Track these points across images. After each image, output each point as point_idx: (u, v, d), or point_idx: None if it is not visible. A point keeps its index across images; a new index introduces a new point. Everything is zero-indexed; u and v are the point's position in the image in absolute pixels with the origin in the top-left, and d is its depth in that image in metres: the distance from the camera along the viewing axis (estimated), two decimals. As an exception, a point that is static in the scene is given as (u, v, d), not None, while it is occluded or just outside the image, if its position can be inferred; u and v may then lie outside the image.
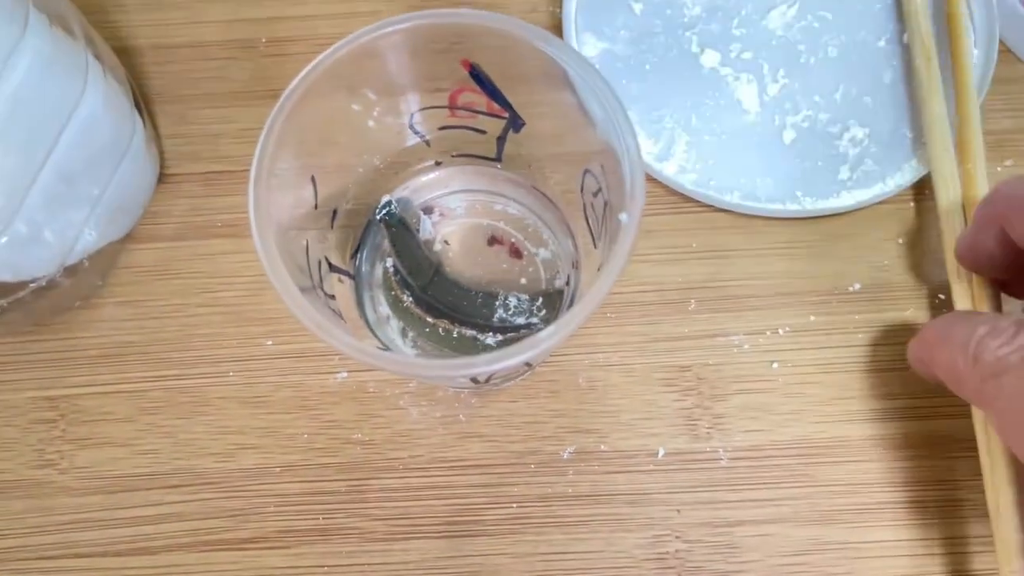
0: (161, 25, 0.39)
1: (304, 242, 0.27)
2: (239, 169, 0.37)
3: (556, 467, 0.33)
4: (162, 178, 0.37)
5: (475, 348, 0.32)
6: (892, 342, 0.34)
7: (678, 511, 0.33)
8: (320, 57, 0.25)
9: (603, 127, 0.25)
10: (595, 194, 0.28)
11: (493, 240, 0.34)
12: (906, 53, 0.36)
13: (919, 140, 0.35)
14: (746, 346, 0.34)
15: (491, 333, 0.32)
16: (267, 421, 0.34)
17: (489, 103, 0.29)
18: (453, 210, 0.34)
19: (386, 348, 0.31)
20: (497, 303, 0.32)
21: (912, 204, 0.36)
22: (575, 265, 0.32)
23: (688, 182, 0.35)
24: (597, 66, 0.36)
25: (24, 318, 0.34)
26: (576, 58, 0.25)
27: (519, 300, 0.32)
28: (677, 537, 0.32)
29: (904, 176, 0.35)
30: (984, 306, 0.31)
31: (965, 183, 0.33)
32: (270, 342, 0.35)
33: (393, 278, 0.33)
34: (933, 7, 0.36)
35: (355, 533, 0.33)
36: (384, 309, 0.33)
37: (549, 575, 0.32)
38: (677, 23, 0.37)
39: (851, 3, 0.37)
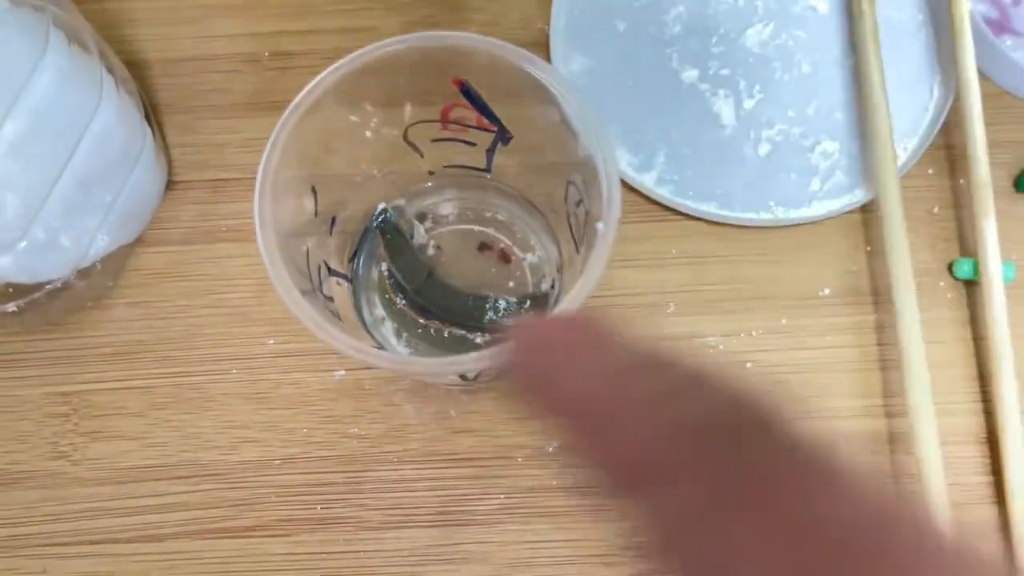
0: (169, 39, 0.41)
1: (305, 247, 0.29)
2: (243, 177, 0.39)
3: (542, 460, 0.35)
4: (170, 185, 0.39)
5: (465, 347, 0.34)
6: (859, 344, 0.36)
7: (656, 502, 0.34)
8: (323, 74, 0.27)
9: (583, 141, 0.27)
10: (577, 204, 0.30)
11: (483, 246, 0.36)
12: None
13: (886, 153, 0.38)
14: (721, 347, 0.36)
15: (480, 333, 0.34)
16: (268, 416, 0.36)
17: (479, 118, 0.31)
18: (445, 217, 0.36)
19: (381, 347, 0.33)
20: (488, 305, 0.34)
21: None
22: (560, 269, 0.34)
23: (667, 192, 0.37)
24: (583, 81, 0.38)
25: (39, 318, 0.36)
26: (557, 76, 0.27)
27: (508, 303, 0.33)
28: (655, 526, 0.34)
29: (873, 187, 0.37)
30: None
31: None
32: (272, 341, 0.37)
33: (388, 282, 0.35)
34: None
35: (352, 522, 0.34)
36: (379, 311, 0.35)
37: (535, 562, 0.34)
38: (659, 41, 0.40)
39: (823, 23, 0.39)
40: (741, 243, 0.37)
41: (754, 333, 0.36)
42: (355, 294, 0.34)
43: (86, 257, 0.34)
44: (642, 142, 0.38)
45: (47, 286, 0.33)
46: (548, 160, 0.32)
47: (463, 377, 0.31)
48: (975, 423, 0.35)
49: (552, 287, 0.34)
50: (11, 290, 0.32)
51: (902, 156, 0.38)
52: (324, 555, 0.34)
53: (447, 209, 0.36)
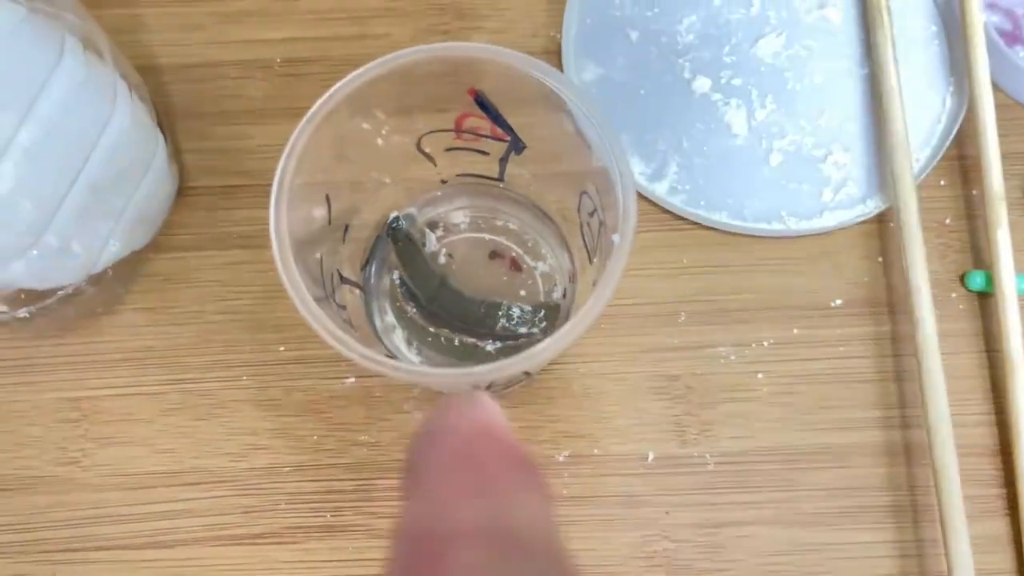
0: (181, 45, 0.41)
1: (318, 255, 0.29)
2: (254, 183, 0.39)
3: (552, 470, 0.35)
4: (181, 191, 0.39)
5: (476, 355, 0.34)
6: (871, 355, 0.36)
7: (667, 512, 0.34)
8: (339, 84, 0.27)
9: (598, 152, 0.27)
10: (591, 214, 0.30)
11: (494, 254, 0.36)
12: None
13: (899, 164, 0.38)
14: (733, 357, 0.36)
15: (492, 341, 0.34)
16: (278, 423, 0.36)
17: (492, 127, 0.31)
18: (456, 225, 0.36)
19: (392, 356, 0.33)
20: (500, 313, 0.34)
21: (891, 225, 0.38)
22: (572, 278, 0.34)
23: (679, 202, 0.37)
24: (594, 91, 0.38)
25: (50, 323, 0.36)
26: (573, 88, 0.27)
27: (522, 311, 0.33)
28: (665, 537, 0.34)
29: (884, 198, 0.37)
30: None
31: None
32: (282, 348, 0.37)
33: (399, 290, 0.35)
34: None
35: (362, 530, 0.34)
36: (390, 318, 0.35)
37: (544, 571, 0.34)
38: (671, 50, 0.40)
39: (836, 34, 0.39)
40: (753, 253, 0.37)
41: (766, 343, 0.36)
42: (367, 302, 0.34)
43: (98, 263, 0.34)
44: (654, 151, 0.38)
45: (59, 292, 0.33)
46: (562, 170, 0.32)
47: (475, 387, 0.31)
48: (988, 435, 0.35)
49: (564, 296, 0.34)
50: (23, 296, 0.32)
51: (914, 167, 0.38)
52: (334, 563, 0.34)
53: (459, 218, 0.36)
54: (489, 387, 0.31)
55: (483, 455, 0.17)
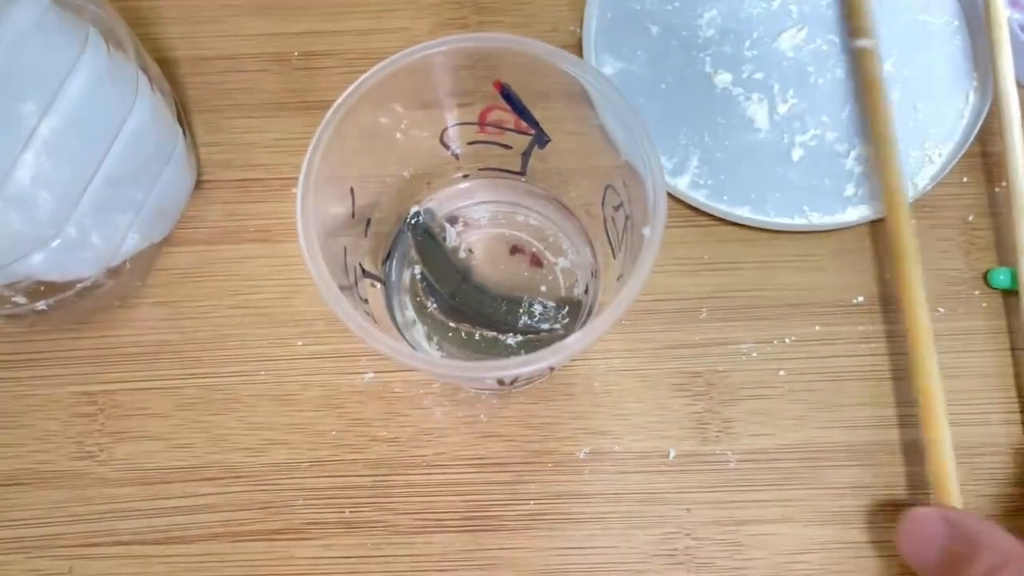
0: (198, 38, 0.41)
1: (342, 247, 0.29)
2: (271, 177, 0.39)
3: (572, 466, 0.35)
4: (198, 184, 0.38)
5: (497, 348, 0.33)
6: (893, 353, 0.36)
7: (688, 510, 0.34)
8: (367, 74, 0.26)
9: (626, 146, 0.27)
10: (616, 208, 0.30)
11: (515, 249, 0.35)
12: (908, 74, 0.38)
13: (922, 159, 0.37)
14: (754, 354, 0.36)
15: (512, 334, 0.33)
16: (296, 418, 0.35)
17: (517, 121, 0.30)
18: (477, 220, 0.36)
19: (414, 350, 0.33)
20: (521, 310, 0.33)
21: (914, 221, 0.37)
22: (594, 274, 0.34)
23: (701, 196, 0.37)
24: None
25: (66, 316, 0.36)
26: (602, 81, 0.27)
27: (544, 307, 0.33)
28: (687, 534, 0.34)
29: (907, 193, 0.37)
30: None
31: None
32: (300, 343, 0.36)
33: (420, 285, 0.35)
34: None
35: (380, 526, 0.34)
36: (411, 313, 0.34)
37: (565, 569, 0.34)
38: (692, 44, 0.39)
39: (858, 28, 0.39)
40: (775, 248, 0.37)
41: (787, 340, 0.36)
42: (388, 297, 0.34)
43: (116, 255, 0.34)
44: (675, 146, 0.38)
45: (77, 285, 0.33)
46: (586, 164, 0.31)
47: (499, 381, 0.30)
48: (1012, 433, 0.35)
49: (586, 291, 0.34)
50: (42, 288, 0.32)
51: (936, 163, 0.37)
52: (352, 559, 0.34)
53: (479, 212, 0.36)
54: (513, 382, 0.31)
55: None
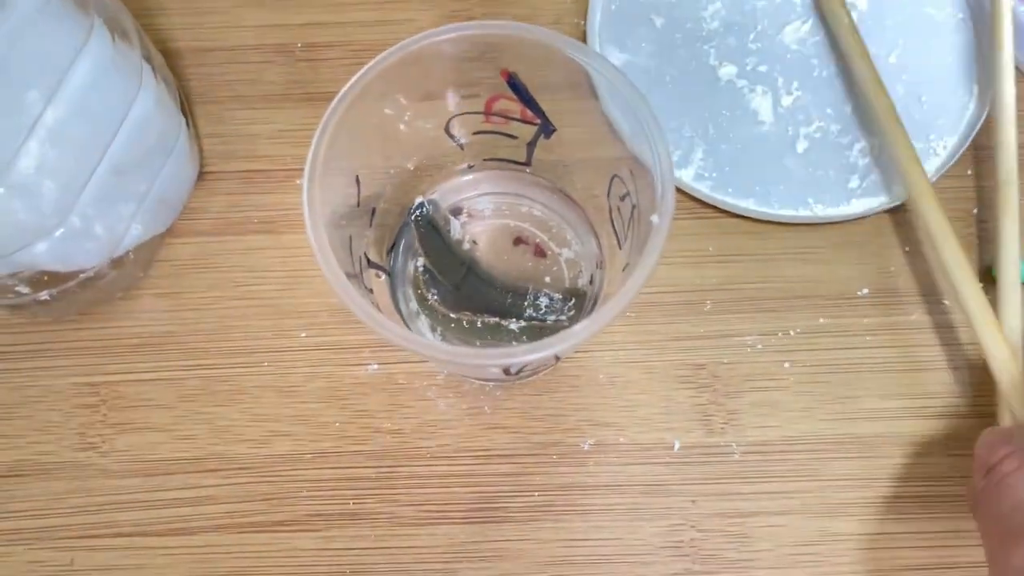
0: (200, 28, 0.41)
1: (348, 237, 0.29)
2: (274, 168, 0.39)
3: (577, 458, 0.35)
4: (200, 176, 0.38)
5: (500, 334, 0.33)
6: (898, 344, 0.36)
7: (693, 502, 0.34)
8: (373, 62, 0.26)
9: (633, 133, 0.27)
10: (622, 198, 0.29)
11: (518, 240, 0.35)
12: (912, 67, 0.38)
13: (926, 151, 0.37)
14: (759, 346, 0.36)
15: (515, 320, 0.33)
16: (300, 410, 0.35)
17: (523, 110, 0.30)
18: (481, 211, 0.36)
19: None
20: (526, 303, 0.33)
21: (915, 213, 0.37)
22: (599, 265, 0.34)
23: (706, 188, 0.37)
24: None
25: (69, 307, 0.35)
26: (609, 68, 0.27)
27: (551, 300, 0.33)
28: (692, 527, 0.34)
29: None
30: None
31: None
32: (304, 334, 0.36)
33: (421, 277, 0.34)
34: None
35: (384, 518, 0.34)
36: (415, 305, 0.34)
37: (570, 560, 0.33)
38: (696, 37, 0.39)
39: (863, 20, 0.39)
40: (779, 240, 0.37)
41: (792, 332, 0.36)
42: (392, 287, 0.34)
43: (119, 246, 0.34)
44: (680, 138, 0.38)
45: (80, 275, 0.33)
46: (592, 154, 0.31)
47: (505, 371, 0.30)
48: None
49: (591, 282, 0.34)
50: (45, 278, 0.32)
51: (940, 155, 0.37)
52: (356, 551, 0.34)
53: (483, 204, 0.35)
54: (519, 372, 0.31)
55: None
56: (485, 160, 0.34)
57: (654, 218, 0.25)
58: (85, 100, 0.29)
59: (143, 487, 0.35)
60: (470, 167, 0.34)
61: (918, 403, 0.35)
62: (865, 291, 0.36)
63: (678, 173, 0.37)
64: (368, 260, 0.31)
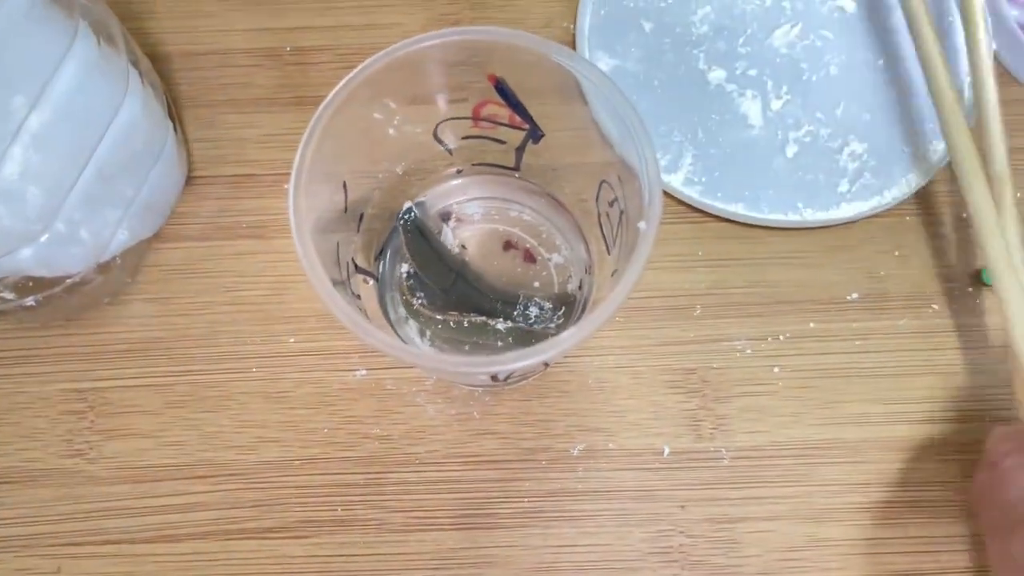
0: (189, 32, 0.41)
1: (335, 243, 0.28)
2: (263, 173, 0.38)
3: (566, 464, 0.35)
4: (189, 180, 0.38)
5: (486, 334, 0.33)
6: (888, 349, 0.36)
7: (682, 507, 0.34)
8: (360, 67, 0.26)
9: (620, 138, 0.27)
10: (611, 203, 0.29)
11: (508, 245, 0.35)
12: (902, 71, 0.38)
13: (916, 155, 0.37)
14: (748, 351, 0.36)
15: (501, 320, 0.33)
16: (289, 416, 0.35)
17: (511, 115, 0.30)
18: (470, 216, 0.35)
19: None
20: (516, 313, 0.33)
21: (908, 218, 0.37)
22: (588, 270, 0.34)
23: (695, 193, 0.37)
24: (610, 81, 0.38)
25: (55, 313, 0.35)
26: (596, 73, 0.27)
27: (541, 309, 0.33)
28: (681, 532, 0.34)
29: (901, 190, 0.37)
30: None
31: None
32: (292, 340, 0.36)
33: (406, 282, 0.34)
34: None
35: (373, 524, 0.34)
36: (403, 310, 0.34)
37: (558, 567, 0.33)
38: (685, 41, 0.39)
39: (851, 24, 0.39)
40: (769, 245, 0.37)
41: (781, 337, 0.36)
42: (380, 293, 0.33)
43: (106, 251, 0.33)
44: (669, 143, 0.38)
45: (66, 280, 0.33)
46: (580, 159, 0.31)
47: (493, 377, 0.30)
48: (1005, 430, 0.35)
49: (580, 287, 0.34)
50: (31, 284, 0.32)
51: (931, 159, 0.37)
52: (345, 557, 0.34)
53: (472, 208, 0.35)
54: (507, 378, 0.31)
55: None
56: (474, 165, 0.34)
57: (641, 224, 0.25)
58: (70, 105, 0.29)
59: (131, 494, 0.34)
60: (459, 172, 0.34)
61: (906, 408, 0.35)
62: (855, 296, 0.36)
63: (667, 178, 0.37)
64: (356, 266, 0.31)
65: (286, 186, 0.25)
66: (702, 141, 0.38)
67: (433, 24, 0.40)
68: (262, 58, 0.40)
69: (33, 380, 0.36)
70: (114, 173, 0.32)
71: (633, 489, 0.34)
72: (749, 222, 0.37)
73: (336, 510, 0.34)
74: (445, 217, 0.35)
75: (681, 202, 0.37)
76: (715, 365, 0.36)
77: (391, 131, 0.31)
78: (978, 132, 0.35)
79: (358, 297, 0.30)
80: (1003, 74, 0.39)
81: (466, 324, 0.33)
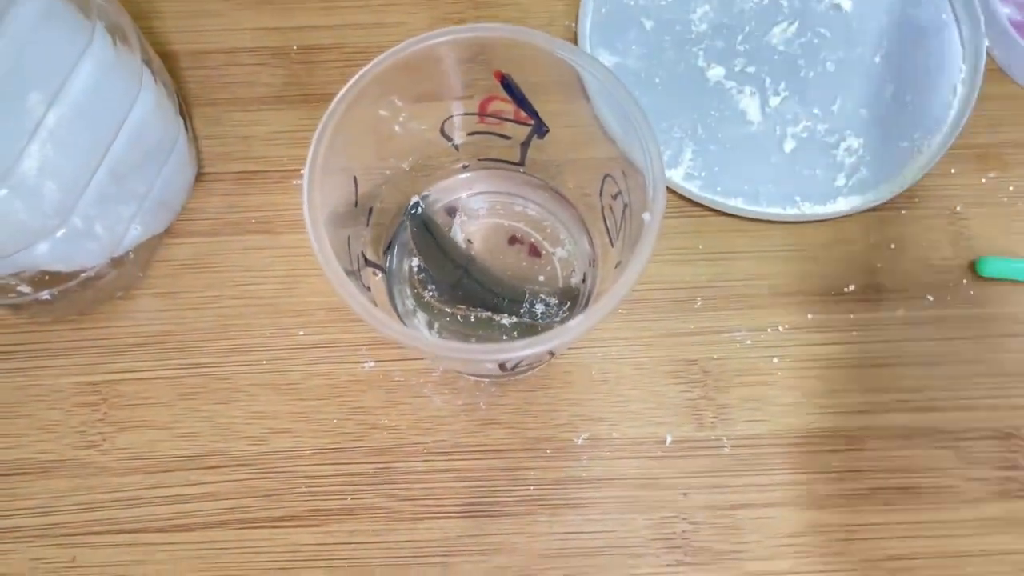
0: (197, 32, 0.41)
1: (346, 236, 0.29)
2: (271, 169, 0.39)
3: (571, 452, 0.35)
4: (198, 177, 0.39)
5: (492, 328, 0.34)
6: (884, 340, 0.37)
7: (684, 494, 0.35)
8: (368, 66, 0.27)
9: (625, 134, 0.27)
10: (614, 197, 0.30)
11: (513, 239, 0.36)
12: (898, 67, 0.39)
13: (912, 150, 0.38)
14: (748, 341, 0.37)
15: (507, 315, 0.34)
16: (298, 407, 0.36)
17: (516, 111, 0.31)
18: (476, 211, 0.36)
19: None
20: (523, 311, 0.34)
21: (903, 211, 0.38)
22: (592, 263, 0.34)
23: (695, 187, 0.38)
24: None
25: (69, 307, 0.36)
26: (599, 68, 0.27)
27: (548, 306, 0.34)
28: (683, 519, 0.35)
29: (896, 184, 0.38)
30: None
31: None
32: (301, 332, 0.37)
33: (416, 275, 0.35)
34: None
35: (382, 512, 0.35)
36: (411, 302, 0.35)
37: (564, 553, 0.34)
38: (685, 39, 0.40)
39: (848, 21, 0.40)
40: (768, 238, 0.38)
41: (780, 328, 0.37)
42: (389, 286, 0.34)
43: (119, 246, 0.34)
44: (670, 139, 0.39)
45: (81, 275, 0.33)
46: (584, 153, 0.32)
47: (500, 366, 0.31)
48: (998, 417, 0.36)
49: (584, 280, 0.35)
50: (47, 278, 0.32)
51: (925, 154, 0.38)
52: (354, 545, 0.34)
53: (478, 203, 0.36)
54: (514, 367, 0.32)
55: None
56: (480, 160, 0.34)
57: (646, 216, 0.26)
58: (86, 103, 0.30)
59: (143, 484, 0.35)
60: (465, 167, 0.35)
61: (902, 397, 0.36)
62: (852, 288, 0.37)
63: (668, 173, 0.38)
64: (365, 259, 0.32)
65: (295, 182, 0.26)
66: (702, 137, 0.39)
67: (438, 23, 0.41)
68: (268, 57, 0.41)
69: (47, 373, 0.36)
70: (128, 169, 0.33)
71: (636, 477, 0.35)
72: (748, 216, 0.37)
73: (346, 499, 0.35)
74: (451, 212, 0.36)
75: (681, 197, 0.38)
76: (716, 356, 0.36)
77: (398, 128, 0.31)
78: (984, 133, 0.36)
79: (368, 289, 0.31)
80: (995, 70, 0.40)
81: (473, 319, 0.34)
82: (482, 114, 0.32)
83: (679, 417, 0.36)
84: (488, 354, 0.26)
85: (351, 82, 0.27)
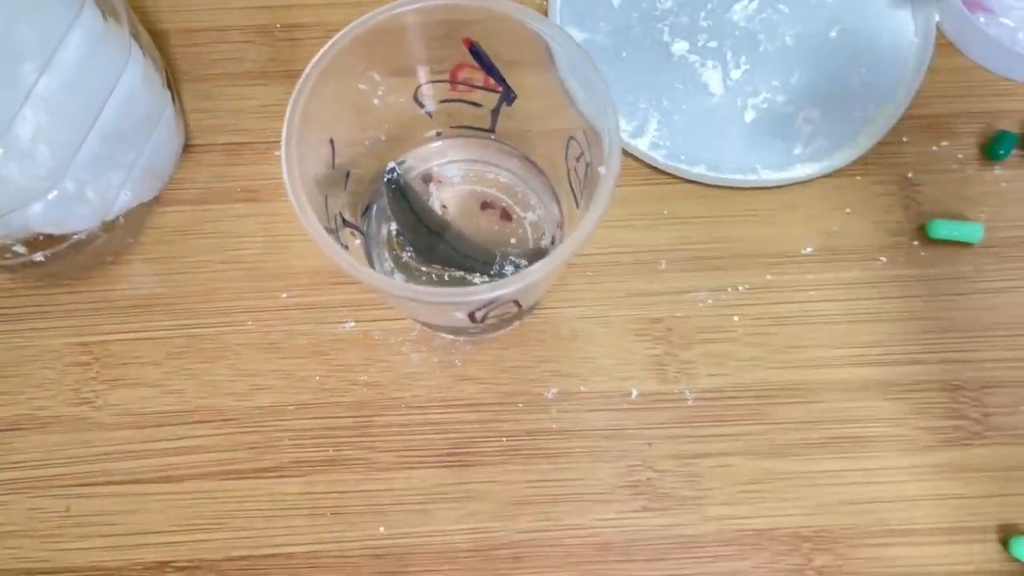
0: (186, 11, 0.43)
1: (324, 197, 0.31)
2: (257, 141, 0.41)
3: (541, 406, 0.37)
4: (187, 148, 0.41)
5: (465, 286, 0.35)
6: (839, 299, 0.38)
7: (649, 445, 0.37)
8: (341, 33, 0.29)
9: (584, 93, 0.29)
10: (578, 158, 0.32)
11: (485, 205, 0.38)
12: (853, 41, 0.41)
13: (866, 119, 0.40)
14: (710, 301, 0.38)
15: (479, 275, 0.36)
16: (282, 365, 0.38)
17: (486, 79, 0.33)
18: (450, 178, 0.38)
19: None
20: (493, 273, 0.36)
21: (858, 177, 0.40)
22: (560, 226, 0.36)
23: (660, 156, 0.40)
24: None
25: (62, 271, 0.38)
26: (562, 36, 0.29)
27: (517, 267, 0.35)
28: (648, 467, 0.36)
29: (851, 151, 0.40)
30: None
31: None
32: (285, 295, 0.39)
33: (395, 238, 0.37)
34: None
35: (362, 463, 0.36)
36: (389, 265, 0.37)
37: (536, 499, 0.36)
38: (651, 15, 0.42)
39: (806, -1, 0.42)
40: (729, 204, 0.40)
41: (741, 288, 0.39)
42: (367, 249, 0.36)
43: (110, 211, 0.36)
44: (636, 110, 0.40)
45: (73, 237, 0.35)
46: (552, 123, 0.34)
47: (471, 317, 0.33)
48: (946, 371, 0.37)
49: (552, 243, 0.36)
50: (41, 239, 0.34)
51: (878, 123, 0.40)
52: (337, 494, 0.36)
53: (452, 171, 0.38)
54: (484, 319, 0.34)
55: None
56: (452, 127, 0.36)
57: (602, 169, 0.28)
58: (76, 72, 0.32)
59: (135, 439, 0.37)
60: (438, 134, 0.37)
61: (856, 352, 0.38)
62: (809, 250, 0.39)
63: (635, 142, 0.40)
64: (344, 219, 0.34)
65: (278, 152, 0.27)
66: (667, 108, 0.40)
67: None
68: (254, 34, 0.43)
69: (42, 335, 0.38)
70: (117, 137, 0.34)
71: (604, 428, 0.37)
72: (710, 182, 0.39)
73: (327, 451, 0.37)
74: (427, 180, 0.38)
75: (647, 165, 0.40)
76: (679, 314, 0.38)
77: (376, 101, 0.33)
78: (934, 102, 0.38)
79: (346, 248, 0.33)
80: (946, 44, 0.42)
81: (447, 278, 0.36)
82: (453, 81, 0.33)
83: (644, 372, 0.38)
84: (455, 297, 0.28)
85: (324, 49, 0.28)
